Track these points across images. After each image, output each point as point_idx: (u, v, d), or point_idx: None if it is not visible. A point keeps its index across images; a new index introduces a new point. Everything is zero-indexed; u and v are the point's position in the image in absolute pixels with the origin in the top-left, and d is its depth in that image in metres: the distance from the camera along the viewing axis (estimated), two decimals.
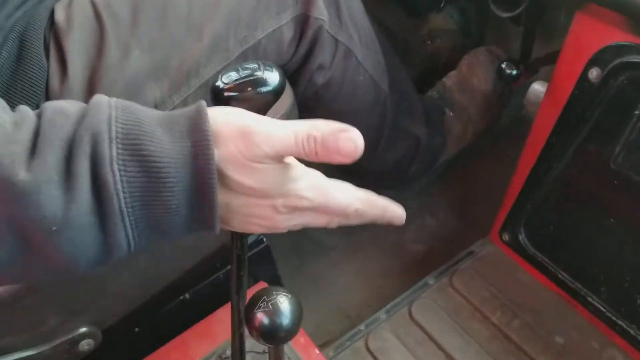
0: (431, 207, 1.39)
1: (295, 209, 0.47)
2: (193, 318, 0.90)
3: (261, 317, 0.49)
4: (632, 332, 0.94)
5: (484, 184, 1.40)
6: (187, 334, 0.89)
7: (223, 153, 0.41)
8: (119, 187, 0.37)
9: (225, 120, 0.43)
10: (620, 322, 0.96)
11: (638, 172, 0.85)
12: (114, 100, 0.42)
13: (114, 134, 0.38)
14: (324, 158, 0.45)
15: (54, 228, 0.36)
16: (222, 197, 0.42)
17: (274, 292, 0.50)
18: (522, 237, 1.10)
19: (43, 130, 0.39)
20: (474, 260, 1.16)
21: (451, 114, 1.32)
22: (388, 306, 1.12)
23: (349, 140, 0.46)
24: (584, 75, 0.89)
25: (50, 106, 0.41)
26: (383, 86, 1.12)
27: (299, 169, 0.48)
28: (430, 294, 1.12)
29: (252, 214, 0.45)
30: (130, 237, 0.40)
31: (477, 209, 1.36)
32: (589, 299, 1.00)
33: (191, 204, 0.41)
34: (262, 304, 0.49)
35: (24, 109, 0.41)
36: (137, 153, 0.38)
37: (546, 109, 0.99)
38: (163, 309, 0.90)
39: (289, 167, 0.46)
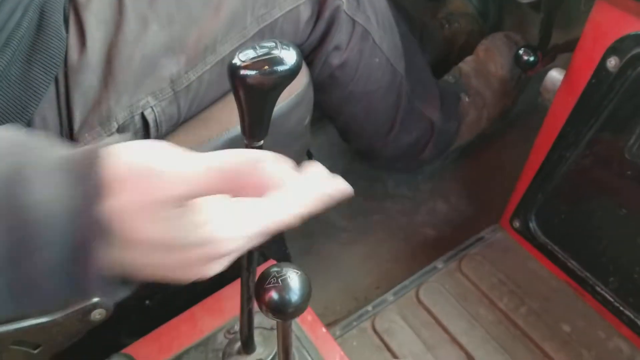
0: (443, 191, 1.39)
1: (216, 257, 0.39)
2: (202, 293, 0.92)
3: (271, 293, 0.50)
4: (639, 322, 0.94)
5: (497, 171, 1.40)
6: (197, 309, 0.90)
7: (120, 201, 0.35)
8: None
9: (128, 161, 0.36)
10: (627, 313, 0.96)
11: None
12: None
13: None
14: (242, 192, 0.39)
15: None
16: (122, 255, 0.36)
17: (284, 268, 0.51)
18: (532, 225, 1.10)
19: None
20: (483, 246, 1.17)
21: (466, 99, 1.31)
22: (396, 288, 1.13)
23: (269, 172, 0.39)
24: (602, 64, 0.88)
25: None
26: (399, 69, 1.11)
27: (207, 208, 0.38)
28: (438, 278, 1.13)
29: (168, 267, 0.39)
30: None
31: (489, 195, 1.36)
32: (597, 289, 1.00)
33: (68, 270, 0.35)
34: (272, 279, 0.49)
35: None
36: (10, 202, 0.33)
37: (562, 97, 0.98)
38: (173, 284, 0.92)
39: (196, 209, 0.38)
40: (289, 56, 0.50)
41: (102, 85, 0.73)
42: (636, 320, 0.95)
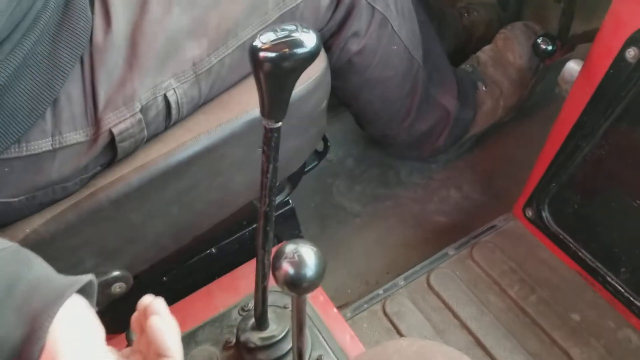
0: (456, 180, 1.40)
1: None
2: (218, 272, 0.94)
3: (287, 267, 0.51)
4: None
5: (511, 160, 1.40)
6: (212, 286, 0.93)
7: None
8: None
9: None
10: (638, 303, 0.97)
11: None
12: None
13: None
14: None
15: None
16: None
17: (300, 245, 0.52)
18: (545, 214, 1.10)
19: None
20: (495, 234, 1.18)
21: (484, 88, 1.31)
22: (407, 273, 1.14)
23: None
24: (621, 55, 0.88)
25: None
26: (417, 56, 1.12)
27: None
28: (449, 265, 1.14)
29: None
30: None
31: (502, 184, 1.37)
32: (609, 279, 1.01)
33: None
34: (289, 254, 0.51)
35: None
36: None
37: (580, 86, 0.99)
38: (190, 261, 0.94)
39: None
40: (309, 39, 0.51)
41: (127, 65, 0.75)
42: None
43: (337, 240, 1.33)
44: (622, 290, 0.99)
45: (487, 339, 1.02)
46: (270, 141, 0.57)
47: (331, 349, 0.88)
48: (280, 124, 0.55)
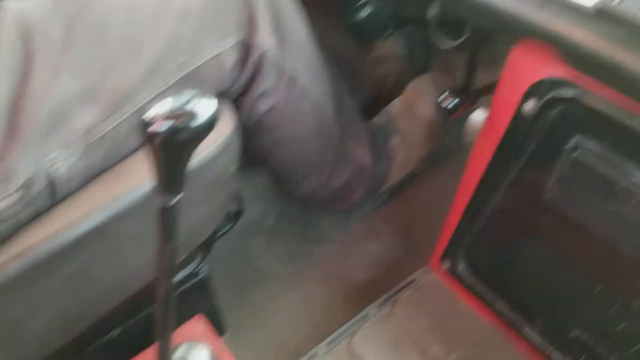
0: (375, 232, 1.39)
1: None
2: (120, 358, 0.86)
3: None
4: None
5: (427, 211, 1.41)
6: None
7: None
8: None
9: None
10: (554, 355, 0.96)
11: (569, 206, 0.86)
12: None
13: None
14: None
15: None
16: None
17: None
18: (461, 266, 1.10)
19: None
20: (414, 290, 1.16)
21: (396, 140, 1.32)
22: (328, 339, 1.10)
23: None
24: (520, 108, 0.90)
25: None
26: (328, 111, 1.11)
27: None
28: (371, 325, 1.11)
29: None
30: None
31: (420, 236, 1.36)
32: (525, 330, 1.00)
33: None
34: None
35: None
36: None
37: (484, 140, 1.00)
38: (86, 350, 0.85)
39: None
40: (206, 108, 0.47)
41: (5, 138, 0.68)
42: None
43: (258, 306, 1.27)
44: (539, 342, 0.99)
45: None
46: (166, 220, 0.51)
47: None
48: (180, 196, 0.50)
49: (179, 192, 0.50)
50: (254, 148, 1.09)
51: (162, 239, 0.53)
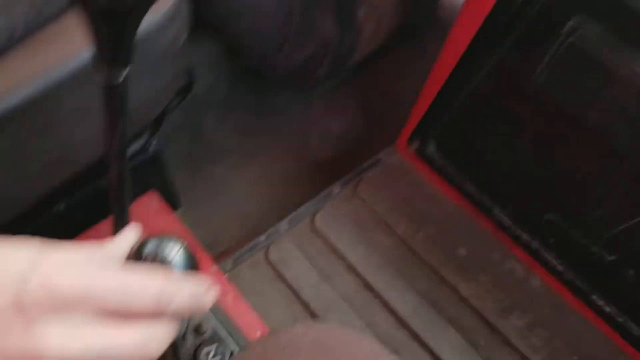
0: (338, 110, 1.31)
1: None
2: (69, 234, 0.79)
3: None
4: (534, 245, 0.95)
5: (394, 88, 1.33)
6: None
7: None
8: None
9: None
10: (524, 236, 0.96)
11: (557, 92, 0.81)
12: None
13: None
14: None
15: None
16: None
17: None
18: (430, 148, 1.05)
19: None
20: (380, 169, 1.12)
21: (364, 10, 1.21)
22: (290, 216, 1.05)
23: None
24: None
25: None
26: None
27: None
28: (335, 203, 1.07)
29: None
30: None
31: (386, 114, 1.30)
32: (495, 212, 0.99)
33: None
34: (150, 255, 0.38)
35: None
36: None
37: (466, 16, 0.91)
38: (32, 223, 0.77)
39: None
40: None
41: None
42: (531, 242, 0.95)
43: (213, 182, 1.20)
44: (508, 223, 0.98)
45: (376, 281, 0.98)
46: (113, 98, 0.41)
47: (212, 313, 0.78)
48: (127, 70, 0.40)
49: (126, 66, 0.39)
50: (207, 16, 0.96)
51: (110, 118, 0.44)
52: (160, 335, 0.31)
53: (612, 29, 0.73)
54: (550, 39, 0.79)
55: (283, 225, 1.04)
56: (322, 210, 1.06)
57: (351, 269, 1.00)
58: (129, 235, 0.37)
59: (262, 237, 1.03)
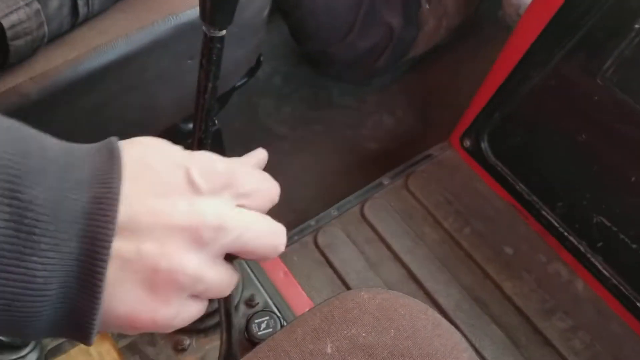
0: (391, 105, 1.33)
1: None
2: None
3: None
4: (581, 248, 0.95)
5: (449, 86, 1.35)
6: None
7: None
8: None
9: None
10: (571, 238, 0.96)
11: (624, 89, 0.81)
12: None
13: None
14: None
15: None
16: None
17: None
18: (484, 145, 1.06)
19: None
20: (431, 164, 1.13)
21: (427, 6, 1.22)
22: (340, 203, 1.08)
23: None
24: None
25: None
26: None
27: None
28: (383, 195, 1.09)
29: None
30: None
31: (439, 111, 1.31)
32: (543, 213, 0.99)
33: (65, 286, 0.27)
34: None
35: None
36: (10, 195, 0.26)
37: (535, 11, 0.92)
38: None
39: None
40: None
41: None
42: (579, 246, 0.95)
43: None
44: (556, 225, 0.98)
45: (421, 272, 1.00)
46: (211, 53, 0.45)
47: (263, 287, 0.81)
48: (224, 32, 0.44)
49: (226, 26, 0.43)
50: None
51: (205, 74, 0.47)
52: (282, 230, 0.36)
53: None
54: (621, 35, 0.79)
55: (332, 211, 1.07)
56: (371, 200, 1.08)
57: (397, 258, 1.02)
58: (260, 153, 0.42)
59: (312, 222, 1.06)
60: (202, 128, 0.53)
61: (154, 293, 0.30)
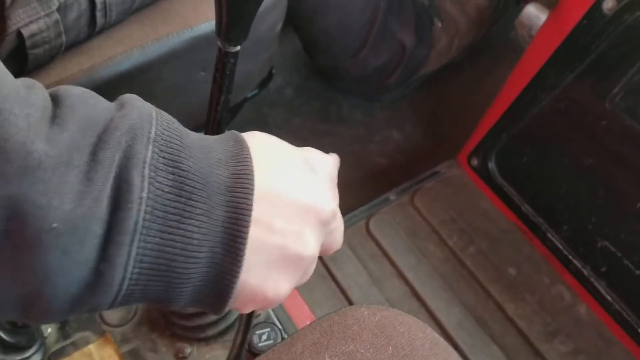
0: (400, 121, 1.34)
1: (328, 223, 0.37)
2: None
3: None
4: (585, 272, 0.95)
5: (458, 105, 1.35)
6: None
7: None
8: (144, 195, 0.28)
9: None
10: (575, 262, 0.96)
11: (633, 115, 0.81)
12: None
13: (152, 135, 0.30)
14: None
15: (54, 225, 0.26)
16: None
17: None
18: (491, 165, 1.07)
19: (69, 102, 0.29)
20: (437, 181, 1.14)
21: (439, 24, 1.23)
22: (345, 217, 1.08)
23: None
24: (596, 5, 0.83)
25: (69, 87, 0.31)
26: None
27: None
28: (389, 210, 1.10)
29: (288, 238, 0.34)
30: (128, 273, 0.28)
31: (447, 129, 1.32)
32: (549, 235, 1.00)
33: (214, 246, 0.31)
34: None
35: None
36: (173, 164, 0.30)
37: (545, 35, 0.93)
38: None
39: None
40: None
41: None
42: (583, 270, 0.95)
43: None
44: (561, 248, 0.98)
45: (424, 290, 1.00)
46: (225, 68, 0.47)
47: None
48: (239, 47, 0.45)
49: (241, 42, 0.45)
50: (299, 10, 1.01)
51: (218, 87, 0.48)
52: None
53: None
54: (630, 61, 0.80)
55: None
56: (377, 215, 1.08)
57: (400, 275, 1.02)
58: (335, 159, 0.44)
59: None
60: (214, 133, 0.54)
61: (280, 268, 0.33)
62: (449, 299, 0.99)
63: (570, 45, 0.87)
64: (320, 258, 1.03)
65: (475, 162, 1.10)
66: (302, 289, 0.99)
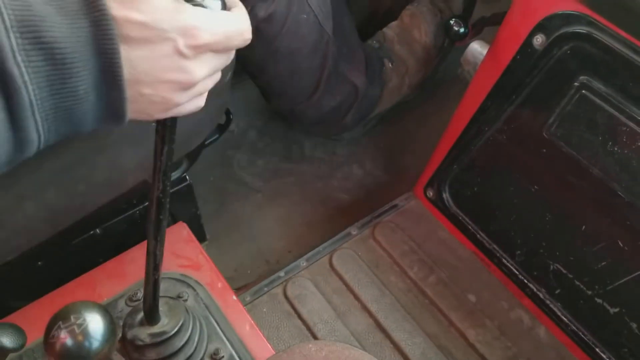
0: (359, 156, 1.38)
1: (198, 48, 0.41)
2: (103, 255, 0.85)
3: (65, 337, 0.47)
4: (541, 295, 0.98)
5: (414, 139, 1.40)
6: (96, 272, 0.83)
7: None
8: (26, 78, 0.34)
9: None
10: (531, 285, 1.00)
11: (569, 143, 0.86)
12: None
13: (8, 23, 0.34)
14: None
15: None
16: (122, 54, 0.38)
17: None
18: (445, 195, 1.11)
19: None
20: (397, 214, 1.17)
21: (390, 65, 1.29)
22: (309, 254, 1.11)
23: None
24: (528, 41, 0.88)
25: None
26: (327, 28, 1.07)
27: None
28: (352, 245, 1.12)
29: (158, 68, 0.40)
30: (41, 131, 0.37)
31: (405, 163, 1.36)
32: (504, 261, 1.03)
33: (99, 89, 0.38)
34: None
35: None
36: (38, 41, 0.35)
37: (485, 71, 0.98)
38: (70, 244, 0.84)
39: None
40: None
41: None
42: (538, 293, 0.99)
43: (238, 217, 1.26)
44: (517, 273, 1.02)
45: (387, 321, 1.02)
46: (165, 119, 0.50)
47: (229, 341, 0.82)
48: None
49: None
50: (249, 59, 1.05)
51: (160, 139, 0.51)
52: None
53: (618, 87, 0.79)
54: (562, 92, 0.85)
55: (302, 262, 1.10)
56: (339, 250, 1.11)
57: (364, 308, 1.04)
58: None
59: (282, 273, 1.08)
60: (159, 188, 0.57)
61: (156, 59, 0.40)
62: (412, 330, 1.01)
63: (507, 79, 0.92)
64: (285, 296, 1.04)
65: (430, 193, 1.14)
66: (268, 328, 1.01)
